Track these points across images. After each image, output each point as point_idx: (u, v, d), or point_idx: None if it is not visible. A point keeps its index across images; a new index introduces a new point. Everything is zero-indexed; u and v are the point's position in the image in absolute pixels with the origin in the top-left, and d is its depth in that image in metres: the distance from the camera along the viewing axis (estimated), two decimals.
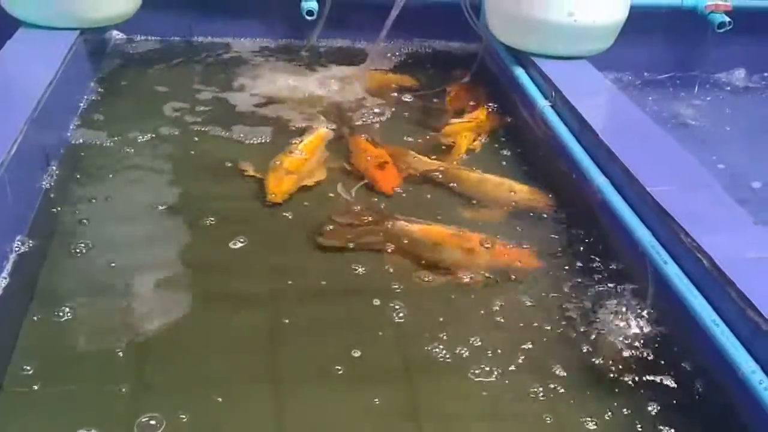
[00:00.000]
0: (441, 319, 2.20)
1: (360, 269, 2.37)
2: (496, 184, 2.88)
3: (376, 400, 1.92)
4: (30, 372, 1.89)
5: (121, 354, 1.96)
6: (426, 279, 2.36)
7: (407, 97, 3.62)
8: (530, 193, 2.84)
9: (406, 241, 2.48)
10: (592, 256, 2.49)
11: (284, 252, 2.48)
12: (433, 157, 3.06)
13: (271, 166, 2.78)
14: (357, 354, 2.05)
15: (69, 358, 1.97)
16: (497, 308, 2.26)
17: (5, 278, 2.14)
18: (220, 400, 1.87)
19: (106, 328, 2.06)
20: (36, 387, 1.85)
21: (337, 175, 2.87)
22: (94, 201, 2.60)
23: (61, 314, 2.07)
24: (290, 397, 1.93)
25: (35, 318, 2.07)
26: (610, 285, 2.34)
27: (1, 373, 1.87)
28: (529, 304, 2.29)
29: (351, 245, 2.47)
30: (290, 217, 2.61)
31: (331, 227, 2.53)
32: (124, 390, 1.86)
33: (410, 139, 3.22)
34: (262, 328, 2.16)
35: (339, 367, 2.00)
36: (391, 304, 2.24)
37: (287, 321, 2.16)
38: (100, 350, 1.99)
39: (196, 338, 2.08)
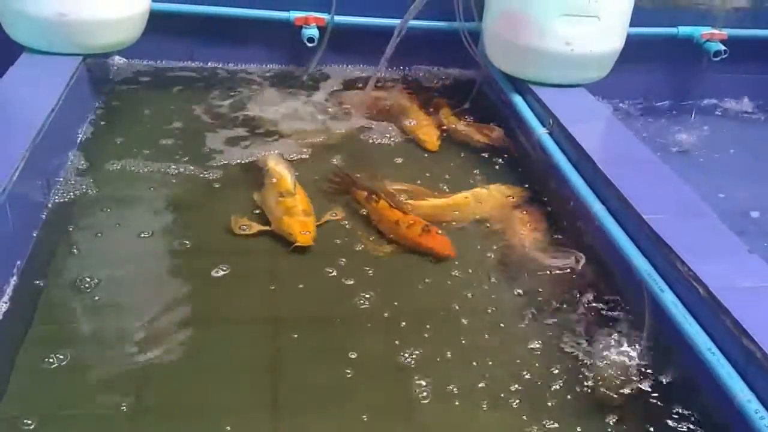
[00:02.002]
0: (439, 343, 2.21)
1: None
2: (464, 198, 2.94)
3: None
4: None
5: (124, 408, 1.93)
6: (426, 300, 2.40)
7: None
8: (504, 191, 2.96)
9: None
10: (589, 283, 2.50)
11: (266, 277, 2.49)
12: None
13: (285, 209, 2.66)
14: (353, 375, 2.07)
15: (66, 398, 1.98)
16: (489, 332, 2.28)
17: (6, 303, 2.15)
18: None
19: (103, 366, 2.06)
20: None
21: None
22: (94, 228, 2.61)
23: (53, 360, 2.04)
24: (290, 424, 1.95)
25: (31, 347, 2.09)
26: (606, 312, 2.35)
27: None
28: (524, 330, 2.30)
29: None
30: (267, 243, 2.62)
31: None
32: None
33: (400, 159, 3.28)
34: (258, 353, 2.17)
35: (336, 390, 2.02)
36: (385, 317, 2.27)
37: (283, 345, 2.19)
38: (97, 395, 1.98)
39: (194, 377, 2.07)
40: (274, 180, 2.86)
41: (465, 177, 3.17)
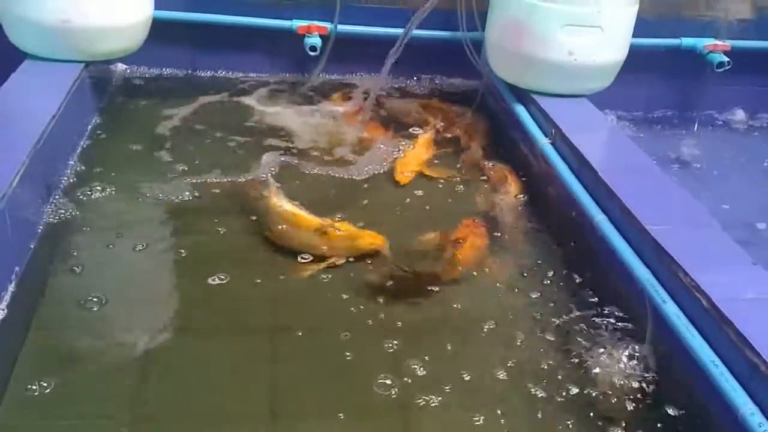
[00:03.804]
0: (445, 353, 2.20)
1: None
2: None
3: None
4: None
5: (122, 417, 1.91)
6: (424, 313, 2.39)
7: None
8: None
9: None
10: (590, 294, 2.48)
11: (265, 285, 2.48)
12: None
13: (346, 237, 2.61)
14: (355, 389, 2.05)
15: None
16: (491, 343, 2.26)
17: (3, 310, 2.14)
18: None
19: (101, 375, 2.05)
20: None
21: None
22: (93, 236, 2.59)
23: (51, 369, 2.03)
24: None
25: (29, 355, 2.08)
26: (607, 323, 2.33)
27: None
28: (526, 341, 2.29)
29: None
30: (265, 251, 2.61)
31: None
32: None
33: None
34: (257, 362, 2.16)
35: (336, 399, 2.00)
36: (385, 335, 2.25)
37: (282, 354, 2.17)
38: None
39: (192, 385, 2.06)
40: (297, 219, 2.69)
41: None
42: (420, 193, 3.11)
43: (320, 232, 2.63)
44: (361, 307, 2.38)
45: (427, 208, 3.02)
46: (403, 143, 3.46)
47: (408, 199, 3.07)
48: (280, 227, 2.67)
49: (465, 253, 2.66)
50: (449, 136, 3.63)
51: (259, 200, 2.81)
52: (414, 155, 3.38)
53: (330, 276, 2.51)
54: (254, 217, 2.75)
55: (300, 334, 2.26)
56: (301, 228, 2.66)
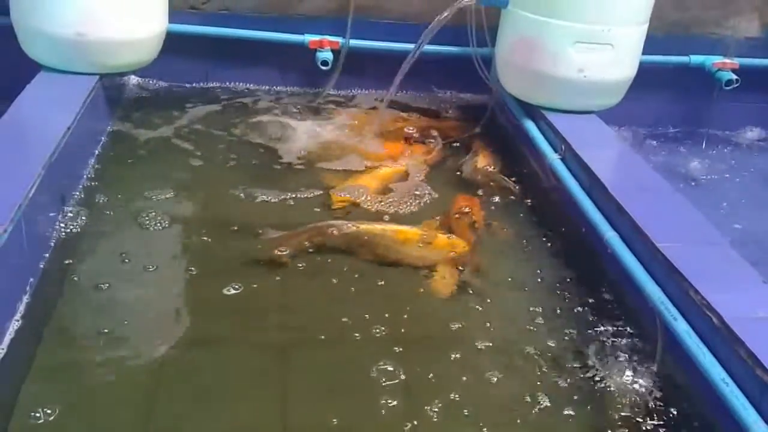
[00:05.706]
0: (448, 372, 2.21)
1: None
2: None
3: None
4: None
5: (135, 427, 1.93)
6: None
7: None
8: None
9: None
10: (600, 311, 2.49)
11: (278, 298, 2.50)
12: None
13: (446, 246, 2.71)
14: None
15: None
16: (498, 363, 2.26)
17: (18, 320, 2.15)
18: None
19: (114, 384, 2.06)
20: None
21: None
22: (107, 247, 2.61)
23: (62, 380, 2.06)
24: None
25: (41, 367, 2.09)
26: (617, 340, 2.34)
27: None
28: (534, 358, 2.29)
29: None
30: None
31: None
32: None
33: None
34: (270, 374, 2.17)
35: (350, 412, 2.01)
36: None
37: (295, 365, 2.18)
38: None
39: (203, 398, 2.06)
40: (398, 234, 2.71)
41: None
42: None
43: (424, 242, 2.66)
44: (376, 313, 2.39)
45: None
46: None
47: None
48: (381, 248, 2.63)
49: (478, 218, 2.82)
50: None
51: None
52: (366, 180, 3.24)
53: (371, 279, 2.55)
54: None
55: (322, 337, 2.28)
56: (408, 242, 2.68)
